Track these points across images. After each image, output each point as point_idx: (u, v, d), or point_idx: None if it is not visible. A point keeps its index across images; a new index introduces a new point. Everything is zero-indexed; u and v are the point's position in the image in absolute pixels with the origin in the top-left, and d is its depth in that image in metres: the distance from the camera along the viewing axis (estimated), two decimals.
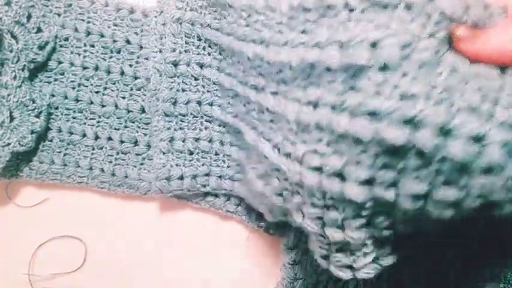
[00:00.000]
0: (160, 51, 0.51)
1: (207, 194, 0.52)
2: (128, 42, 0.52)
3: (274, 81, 0.39)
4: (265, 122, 0.41)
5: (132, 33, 0.52)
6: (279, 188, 0.38)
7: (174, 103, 0.50)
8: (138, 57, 0.53)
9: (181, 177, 0.50)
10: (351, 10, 0.32)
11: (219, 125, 0.50)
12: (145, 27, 0.52)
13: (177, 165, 0.50)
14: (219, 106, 0.50)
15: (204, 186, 0.50)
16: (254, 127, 0.44)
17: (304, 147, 0.34)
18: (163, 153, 0.50)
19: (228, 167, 0.50)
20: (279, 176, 0.37)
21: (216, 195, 0.52)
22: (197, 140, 0.50)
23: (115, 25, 0.53)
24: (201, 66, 0.50)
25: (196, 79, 0.50)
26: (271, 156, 0.38)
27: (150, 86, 0.51)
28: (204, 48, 0.50)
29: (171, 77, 0.49)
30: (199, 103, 0.50)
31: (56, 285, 0.53)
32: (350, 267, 0.35)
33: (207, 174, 0.50)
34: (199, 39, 0.49)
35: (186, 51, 0.49)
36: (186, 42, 0.49)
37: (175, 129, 0.50)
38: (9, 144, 0.50)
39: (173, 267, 0.53)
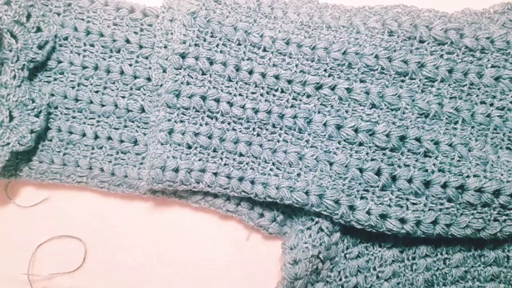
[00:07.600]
0: (165, 47, 0.51)
1: (207, 193, 0.52)
2: (128, 41, 0.52)
3: None
4: None
5: (132, 32, 0.52)
6: None
7: (178, 95, 0.50)
8: (137, 57, 0.53)
9: (176, 170, 0.50)
10: None
11: (222, 122, 0.50)
12: (146, 26, 0.52)
13: (173, 157, 0.50)
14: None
15: (198, 182, 0.50)
16: None
17: None
18: (161, 144, 0.50)
19: (225, 164, 0.50)
20: None
21: (216, 195, 0.52)
22: (197, 134, 0.50)
23: (115, 24, 0.53)
24: (211, 62, 0.50)
25: (204, 73, 0.50)
26: None
27: (152, 81, 0.51)
28: (217, 45, 0.50)
29: (177, 69, 0.49)
30: (203, 98, 0.50)
31: (56, 285, 0.53)
32: None
33: (203, 170, 0.50)
34: (213, 36, 0.50)
35: (196, 45, 0.49)
36: (198, 37, 0.49)
37: (175, 121, 0.50)
38: (8, 143, 0.50)
39: (173, 267, 0.53)
